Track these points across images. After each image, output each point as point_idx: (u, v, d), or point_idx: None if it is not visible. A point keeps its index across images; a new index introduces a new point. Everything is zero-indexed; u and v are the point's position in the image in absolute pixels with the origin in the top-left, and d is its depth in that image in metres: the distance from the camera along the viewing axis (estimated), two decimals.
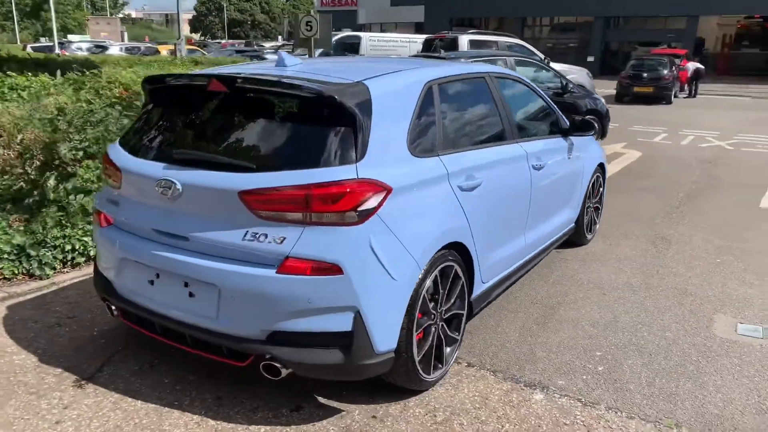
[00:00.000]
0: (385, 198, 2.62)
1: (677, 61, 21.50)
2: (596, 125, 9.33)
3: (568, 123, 4.71)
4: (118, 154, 3.08)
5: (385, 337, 2.66)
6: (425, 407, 2.94)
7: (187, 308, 2.76)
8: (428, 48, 13.40)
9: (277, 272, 2.54)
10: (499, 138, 3.70)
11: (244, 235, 2.60)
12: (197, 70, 3.89)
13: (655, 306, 4.16)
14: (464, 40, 12.53)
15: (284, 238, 2.54)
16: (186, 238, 2.75)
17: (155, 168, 2.83)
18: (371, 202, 2.57)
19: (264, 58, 23.88)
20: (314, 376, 2.82)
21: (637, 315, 4.02)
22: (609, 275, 4.73)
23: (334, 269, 2.50)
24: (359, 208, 2.54)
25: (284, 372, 2.65)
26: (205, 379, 3.14)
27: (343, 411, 2.90)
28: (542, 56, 13.15)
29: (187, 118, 3.02)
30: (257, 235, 2.58)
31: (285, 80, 2.78)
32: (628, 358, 3.44)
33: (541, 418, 2.87)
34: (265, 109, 2.79)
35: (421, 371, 2.90)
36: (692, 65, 21.91)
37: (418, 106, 3.02)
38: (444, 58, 6.57)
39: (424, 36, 15.31)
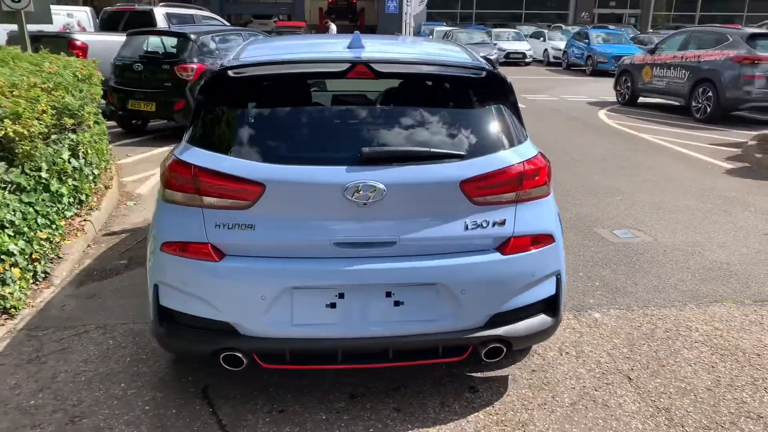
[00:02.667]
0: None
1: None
2: None
3: None
4: (238, 164, 2.47)
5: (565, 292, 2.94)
6: (558, 346, 3.33)
7: (393, 319, 2.53)
8: (112, 23, 11.93)
9: (504, 254, 2.58)
10: None
11: (466, 226, 2.54)
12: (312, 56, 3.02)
13: None
14: (160, 12, 11.57)
15: (504, 220, 2.59)
16: (390, 243, 2.49)
17: (336, 173, 2.43)
18: (549, 174, 2.80)
19: None
20: (523, 346, 2.92)
21: None
22: None
23: (548, 239, 2.68)
24: (549, 180, 2.75)
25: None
26: (357, 399, 2.89)
27: (509, 374, 3.08)
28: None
29: (332, 111, 2.62)
30: (479, 223, 2.55)
31: (449, 62, 2.69)
32: None
33: None
34: (436, 94, 2.67)
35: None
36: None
37: None
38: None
39: (87, 8, 13.37)
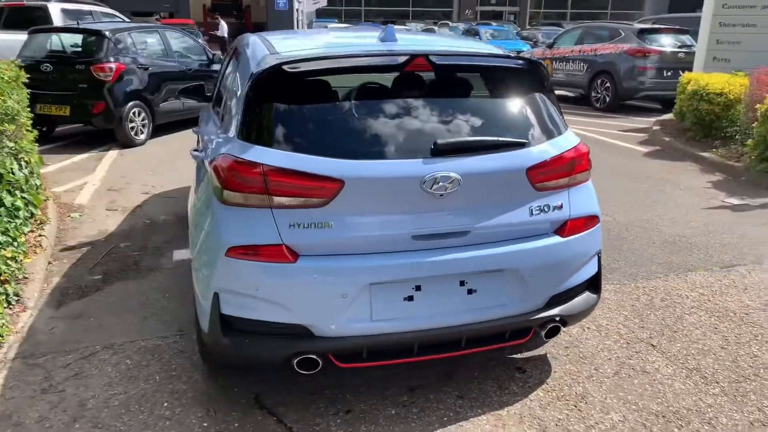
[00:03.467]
0: None
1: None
2: None
3: None
4: (314, 162, 2.39)
5: None
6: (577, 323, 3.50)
7: (467, 307, 2.57)
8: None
9: (563, 237, 2.70)
10: None
11: (531, 211, 2.63)
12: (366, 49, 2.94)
13: None
14: (56, 8, 10.65)
15: (561, 204, 2.70)
16: (464, 233, 2.53)
17: (413, 166, 2.42)
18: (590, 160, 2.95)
19: None
20: (575, 323, 3.04)
21: None
22: None
23: (595, 220, 2.84)
24: (590, 166, 2.90)
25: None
26: (417, 391, 2.91)
27: (546, 352, 3.21)
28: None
29: (397, 104, 2.58)
30: (541, 208, 2.65)
31: (495, 53, 2.76)
32: None
33: None
34: (489, 84, 2.73)
35: None
36: None
37: None
38: None
39: None
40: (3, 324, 3.39)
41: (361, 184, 2.40)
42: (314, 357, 2.49)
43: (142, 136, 8.62)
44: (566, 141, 2.75)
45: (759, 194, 6.20)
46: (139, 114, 8.52)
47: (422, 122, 2.59)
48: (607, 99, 12.11)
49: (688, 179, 6.85)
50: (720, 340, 3.36)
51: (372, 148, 2.47)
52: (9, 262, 3.85)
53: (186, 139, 9.18)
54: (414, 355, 2.60)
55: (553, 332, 2.80)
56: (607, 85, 12.08)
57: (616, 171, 7.19)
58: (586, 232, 2.78)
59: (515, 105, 2.76)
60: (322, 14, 36.86)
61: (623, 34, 12.21)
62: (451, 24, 32.24)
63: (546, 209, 2.66)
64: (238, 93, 2.76)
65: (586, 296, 2.88)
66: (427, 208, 2.48)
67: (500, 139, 2.61)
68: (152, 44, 9.11)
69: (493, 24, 29.76)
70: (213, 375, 3.01)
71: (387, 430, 2.63)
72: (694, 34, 11.07)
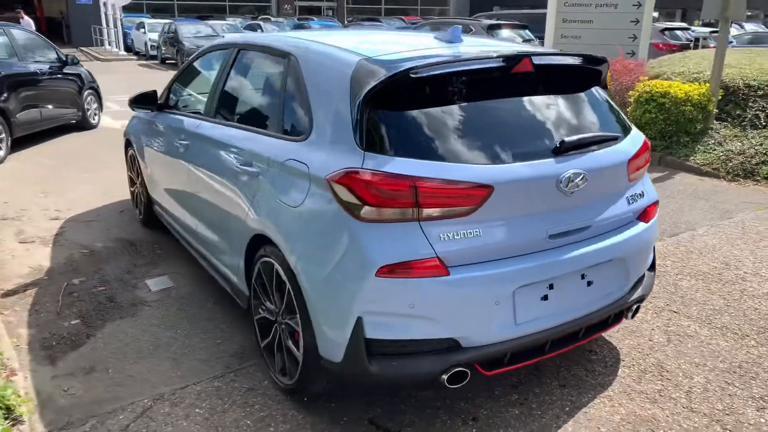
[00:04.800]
0: None
1: None
2: None
3: None
4: (465, 170, 2.31)
5: None
6: None
7: (587, 299, 2.69)
8: None
9: (646, 222, 2.92)
10: None
11: (628, 201, 2.81)
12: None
13: None
14: None
15: (643, 192, 2.92)
16: (585, 228, 2.62)
17: (549, 165, 2.46)
18: None
19: None
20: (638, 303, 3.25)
21: None
22: None
23: (657, 203, 3.10)
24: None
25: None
26: (520, 387, 2.96)
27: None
28: None
29: (517, 105, 2.57)
30: (633, 197, 2.84)
31: (574, 54, 2.86)
32: None
33: None
34: (573, 83, 2.84)
35: None
36: None
37: None
38: None
39: None
40: (11, 392, 2.76)
41: (508, 188, 2.38)
42: (464, 369, 2.42)
43: (0, 153, 7.37)
44: (638, 133, 2.97)
45: (650, 170, 7.10)
46: None
47: (540, 122, 2.63)
48: None
49: None
50: (720, 299, 3.86)
51: (510, 150, 2.45)
52: None
53: (54, 151, 8.05)
54: (545, 353, 2.65)
55: (636, 312, 3.01)
56: None
57: None
58: (656, 215, 3.03)
59: (596, 101, 2.90)
60: (128, 9, 34.06)
61: (473, 30, 13.10)
62: (273, 18, 31.73)
63: (636, 198, 2.85)
64: (334, 100, 2.54)
65: (650, 275, 3.14)
66: (559, 206, 2.53)
67: (611, 134, 2.75)
68: None
69: (317, 19, 29.90)
70: (311, 408, 2.76)
71: (524, 430, 2.64)
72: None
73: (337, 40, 3.03)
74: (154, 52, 23.49)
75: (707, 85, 7.55)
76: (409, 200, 2.27)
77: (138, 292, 4.00)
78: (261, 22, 28.23)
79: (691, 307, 3.75)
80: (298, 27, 24.68)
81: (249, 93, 3.50)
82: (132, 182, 5.28)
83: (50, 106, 8.47)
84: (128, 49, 25.90)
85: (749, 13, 41.24)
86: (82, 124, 9.43)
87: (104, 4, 25.61)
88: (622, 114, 3.03)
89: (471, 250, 2.36)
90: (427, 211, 2.29)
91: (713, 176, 6.86)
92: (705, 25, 24.05)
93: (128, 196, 5.60)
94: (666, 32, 16.67)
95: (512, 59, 2.56)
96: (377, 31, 5.37)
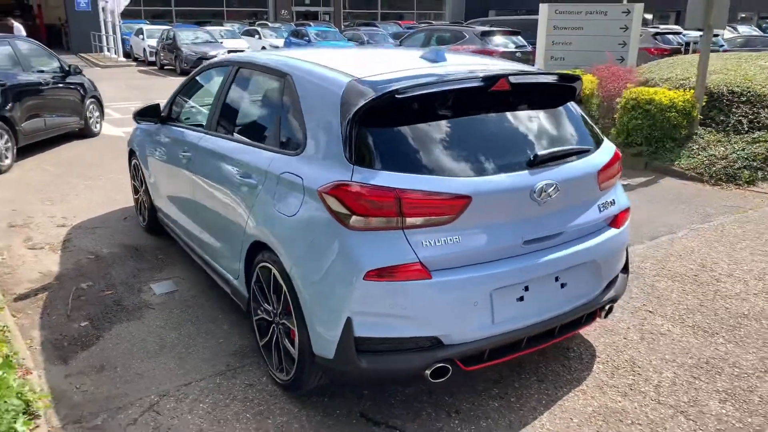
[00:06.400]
0: None
1: None
2: None
3: None
4: (444, 182, 2.53)
5: None
6: None
7: (561, 299, 2.91)
8: None
9: (617, 228, 3.15)
10: None
11: (599, 209, 3.03)
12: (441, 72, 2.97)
13: None
14: None
15: (614, 200, 3.15)
16: (558, 234, 2.85)
17: (523, 177, 2.68)
18: None
19: None
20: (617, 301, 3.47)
21: None
22: None
23: (629, 210, 3.33)
24: None
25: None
26: (501, 383, 3.18)
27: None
28: None
29: (492, 121, 2.80)
30: (604, 205, 3.07)
31: (547, 72, 3.09)
32: None
33: None
34: (546, 100, 3.06)
35: None
36: None
37: None
38: None
39: None
40: (28, 389, 2.98)
41: (485, 199, 2.61)
42: (446, 365, 2.64)
43: (7, 161, 7.59)
44: (610, 145, 3.20)
45: (636, 175, 7.36)
46: (1, 137, 7.48)
47: (515, 136, 2.86)
48: None
49: None
50: (694, 299, 4.08)
51: (486, 164, 2.68)
52: None
53: (58, 159, 8.27)
54: (522, 349, 2.87)
55: (609, 312, 3.24)
56: None
57: None
58: (627, 221, 3.25)
59: (571, 116, 3.13)
60: (126, 15, 34.28)
61: (467, 36, 13.35)
62: (270, 24, 31.98)
63: (606, 206, 3.08)
64: (326, 118, 2.76)
65: (623, 276, 3.37)
66: (532, 215, 2.76)
67: (582, 147, 2.98)
68: (3, 56, 8.01)
69: (314, 25, 30.10)
70: (304, 401, 2.99)
71: (503, 421, 2.87)
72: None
73: (330, 60, 3.26)
74: (152, 58, 23.69)
75: (692, 91, 7.79)
76: (394, 210, 2.49)
77: (143, 295, 4.22)
78: (259, 28, 28.47)
79: (666, 306, 3.98)
80: (295, 33, 24.91)
81: (248, 109, 3.73)
82: (136, 190, 5.50)
83: (54, 116, 8.69)
84: (127, 55, 26.08)
85: (743, 15, 41.63)
86: (85, 132, 9.65)
87: (103, 10, 25.84)
88: (595, 127, 3.26)
89: (451, 255, 2.59)
90: (410, 220, 2.52)
91: (697, 180, 7.10)
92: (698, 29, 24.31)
93: (131, 203, 5.82)
94: (658, 36, 16.96)
95: (490, 79, 2.79)
96: (368, 49, 5.73)
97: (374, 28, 28.77)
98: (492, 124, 2.85)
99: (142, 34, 25.39)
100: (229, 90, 3.77)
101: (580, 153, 2.97)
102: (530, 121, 2.96)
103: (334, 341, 2.59)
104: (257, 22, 33.33)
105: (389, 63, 3.34)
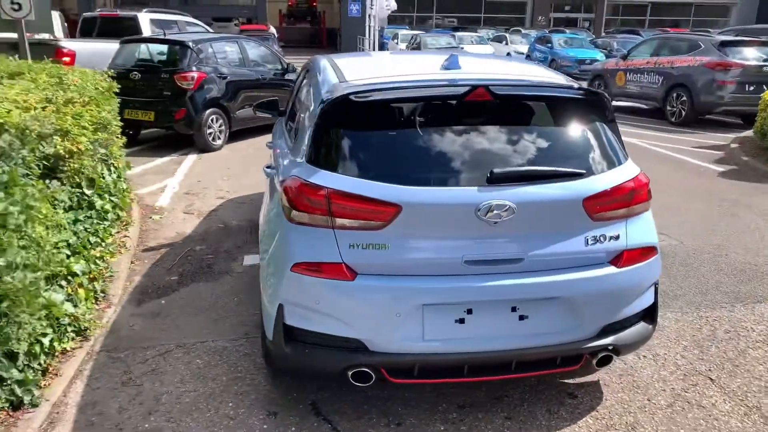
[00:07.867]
0: None
1: None
2: None
3: None
4: (374, 187, 2.54)
5: None
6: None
7: (518, 333, 2.65)
8: (89, 28, 11.65)
9: (618, 267, 2.73)
10: None
11: (586, 241, 2.68)
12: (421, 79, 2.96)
13: None
14: (145, 19, 11.34)
15: (618, 235, 2.74)
16: (517, 260, 2.61)
17: (468, 193, 2.54)
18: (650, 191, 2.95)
19: None
20: (629, 353, 3.06)
21: None
22: None
23: (653, 251, 2.85)
24: (650, 196, 2.91)
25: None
26: (467, 409, 3.00)
27: (599, 379, 3.23)
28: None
29: (456, 132, 2.70)
30: (597, 238, 2.70)
31: (555, 83, 2.82)
32: None
33: None
34: (548, 114, 2.80)
35: None
36: None
37: None
38: None
39: (57, 12, 12.94)
40: (92, 319, 3.71)
41: (417, 210, 2.53)
42: (368, 370, 2.63)
43: (219, 142, 9.06)
44: (625, 171, 2.79)
45: None
46: (216, 120, 8.96)
47: (480, 150, 2.69)
48: (683, 113, 11.72)
49: (765, 203, 6.59)
50: None
51: (429, 174, 2.60)
52: (98, 261, 4.20)
53: (258, 145, 9.56)
54: (464, 376, 2.70)
55: (605, 361, 2.83)
56: (683, 98, 11.69)
57: (687, 191, 7.00)
58: (643, 263, 2.79)
59: (574, 135, 2.82)
60: (392, 20, 37.12)
61: (703, 46, 11.78)
62: (523, 30, 31.82)
63: (602, 239, 2.70)
64: (308, 118, 2.94)
65: (641, 326, 2.90)
66: (480, 235, 2.58)
67: (556, 169, 2.67)
68: (231, 54, 9.55)
69: (566, 31, 29.16)
70: (275, 379, 3.21)
71: None
72: None
73: (350, 63, 3.39)
74: None
75: None
76: (324, 209, 2.58)
77: (233, 264, 4.83)
78: (508, 34, 28.62)
79: (737, 378, 3.27)
80: (540, 39, 24.49)
81: (294, 105, 4.04)
82: None
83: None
84: None
85: None
86: None
87: (369, 16, 28.51)
88: (616, 150, 2.85)
89: (379, 262, 2.57)
90: (339, 221, 2.57)
91: None
92: None
93: None
94: None
95: (466, 88, 2.67)
96: (414, 55, 5.57)
97: (631, 36, 26.79)
98: (461, 135, 2.71)
99: (397, 38, 27.42)
100: (298, 88, 4.13)
101: (562, 176, 2.65)
102: (514, 135, 2.74)
103: (272, 325, 2.78)
104: (512, 29, 33.42)
105: (399, 69, 3.36)
